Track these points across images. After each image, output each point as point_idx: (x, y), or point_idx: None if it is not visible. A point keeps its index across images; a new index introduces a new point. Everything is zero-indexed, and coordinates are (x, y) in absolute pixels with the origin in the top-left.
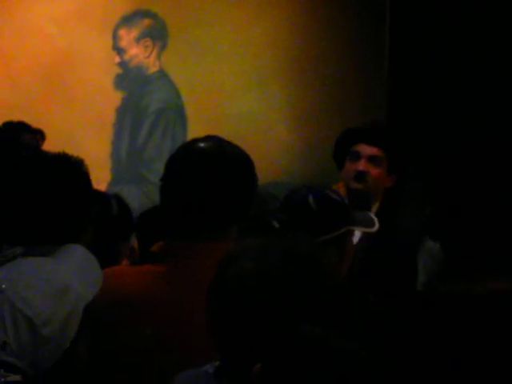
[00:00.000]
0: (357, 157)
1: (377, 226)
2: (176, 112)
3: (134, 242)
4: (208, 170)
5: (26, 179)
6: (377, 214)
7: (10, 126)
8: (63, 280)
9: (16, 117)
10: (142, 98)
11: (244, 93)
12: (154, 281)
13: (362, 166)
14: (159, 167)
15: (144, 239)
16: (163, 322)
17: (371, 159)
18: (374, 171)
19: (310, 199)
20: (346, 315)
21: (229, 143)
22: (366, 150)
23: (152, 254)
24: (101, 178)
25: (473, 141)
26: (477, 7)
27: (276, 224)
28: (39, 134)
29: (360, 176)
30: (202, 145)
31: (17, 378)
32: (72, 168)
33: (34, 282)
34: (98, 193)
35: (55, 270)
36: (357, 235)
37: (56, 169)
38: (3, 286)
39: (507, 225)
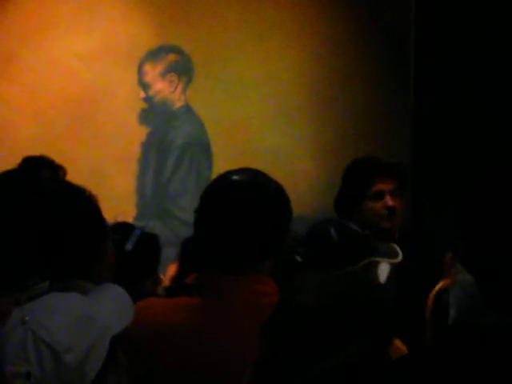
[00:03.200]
0: (381, 194)
1: (400, 257)
2: (201, 147)
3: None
4: (243, 203)
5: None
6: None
7: (30, 160)
8: (87, 310)
9: (41, 152)
10: (167, 133)
11: (269, 127)
12: (187, 313)
13: (390, 202)
14: (184, 202)
15: (185, 267)
16: (195, 352)
17: (392, 193)
18: (397, 204)
19: (332, 231)
20: None
21: (264, 175)
22: (387, 185)
23: (186, 286)
24: (126, 213)
25: (503, 168)
26: (505, 41)
27: (299, 258)
28: (61, 170)
29: (391, 214)
30: (237, 177)
31: None
32: (82, 202)
33: (57, 312)
34: (124, 226)
35: (79, 302)
36: (384, 272)
37: (65, 203)
38: (26, 318)
39: None
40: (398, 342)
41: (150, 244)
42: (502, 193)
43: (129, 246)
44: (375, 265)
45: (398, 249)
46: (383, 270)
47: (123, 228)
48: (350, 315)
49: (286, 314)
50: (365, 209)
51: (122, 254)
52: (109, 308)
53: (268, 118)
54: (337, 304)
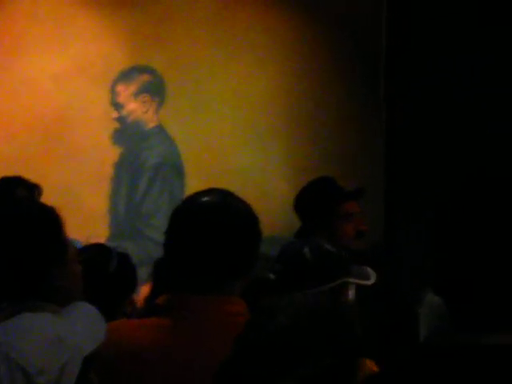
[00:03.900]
0: (350, 216)
1: (373, 279)
2: (173, 167)
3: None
4: (211, 224)
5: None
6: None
7: (5, 180)
8: (58, 331)
9: (14, 171)
10: (139, 153)
11: (242, 148)
12: (157, 334)
13: (361, 224)
14: (157, 222)
15: (158, 287)
16: (165, 373)
17: (358, 215)
18: (361, 224)
19: (306, 250)
20: None
21: (232, 196)
22: (355, 208)
23: (157, 307)
24: (99, 233)
25: (472, 185)
26: (476, 53)
27: (272, 276)
28: (36, 189)
29: (361, 234)
30: (205, 198)
31: None
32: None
33: (28, 333)
34: (99, 247)
35: (51, 323)
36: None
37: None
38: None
39: None
40: (369, 363)
41: (129, 264)
42: (473, 213)
43: (112, 267)
44: (347, 286)
45: (372, 271)
46: (350, 291)
47: (99, 249)
48: (313, 337)
49: (250, 335)
50: (334, 230)
51: (104, 275)
52: (81, 328)
53: (240, 138)
54: (301, 325)
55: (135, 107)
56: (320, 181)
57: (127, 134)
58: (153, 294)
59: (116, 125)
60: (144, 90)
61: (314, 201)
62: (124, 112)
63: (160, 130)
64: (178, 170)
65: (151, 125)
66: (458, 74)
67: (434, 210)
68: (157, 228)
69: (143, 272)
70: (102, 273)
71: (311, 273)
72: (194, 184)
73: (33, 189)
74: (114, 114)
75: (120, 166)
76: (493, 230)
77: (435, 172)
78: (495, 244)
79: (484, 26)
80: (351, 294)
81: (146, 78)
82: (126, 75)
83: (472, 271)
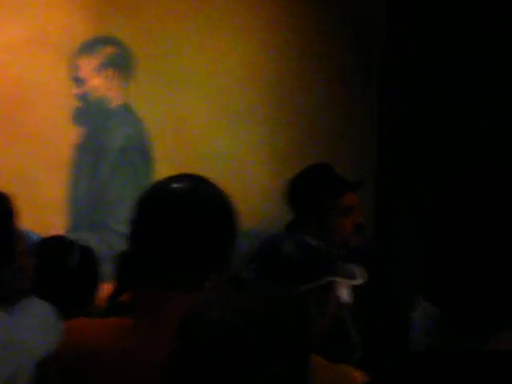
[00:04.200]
0: (349, 210)
1: (363, 278)
2: (141, 150)
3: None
4: (181, 213)
5: None
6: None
7: None
8: (10, 333)
9: None
10: (102, 135)
11: (217, 129)
12: (118, 333)
13: (360, 218)
14: (121, 213)
15: (121, 284)
16: (125, 374)
17: (357, 208)
18: (360, 218)
19: (288, 245)
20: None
21: (207, 183)
22: (354, 200)
23: (120, 305)
24: (56, 224)
25: (466, 188)
26: (475, 47)
27: (247, 275)
28: None
29: (360, 229)
30: (176, 184)
31: None
32: None
33: None
34: (59, 240)
35: (2, 324)
36: (345, 293)
37: None
38: None
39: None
40: (359, 373)
41: (91, 258)
42: (465, 213)
43: (73, 263)
44: (334, 286)
45: (361, 270)
46: (344, 291)
47: (59, 242)
48: (258, 339)
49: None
50: (331, 225)
51: (64, 271)
52: (34, 329)
53: (216, 119)
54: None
55: (98, 83)
56: (316, 168)
57: (89, 112)
58: (116, 292)
59: (76, 102)
60: (108, 63)
61: (309, 191)
62: (86, 88)
63: (126, 108)
64: (145, 155)
65: (116, 103)
66: (458, 71)
67: (428, 211)
68: (121, 219)
69: (106, 268)
70: (61, 268)
71: (291, 271)
72: (163, 170)
73: None
74: (75, 91)
75: (81, 149)
76: (489, 232)
77: (431, 165)
78: (491, 246)
79: (483, 30)
80: (346, 294)
81: (110, 50)
82: (88, 47)
83: (467, 273)
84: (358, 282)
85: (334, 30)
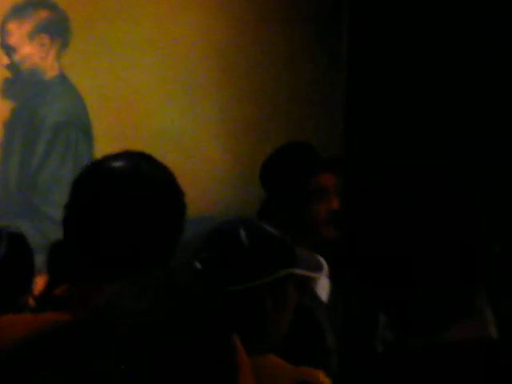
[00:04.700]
0: (323, 192)
1: (325, 271)
2: (80, 127)
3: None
4: (119, 196)
5: None
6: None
7: None
8: None
9: None
10: (36, 110)
11: (165, 103)
12: (51, 330)
13: (335, 203)
14: (57, 197)
15: (56, 276)
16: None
17: (334, 191)
18: (337, 203)
19: (242, 233)
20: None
21: (150, 161)
22: (331, 180)
23: (55, 299)
24: None
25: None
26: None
27: (198, 265)
28: None
29: (334, 216)
30: (115, 163)
31: None
32: None
33: None
34: None
35: None
36: (323, 290)
37: None
38: None
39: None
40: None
41: (23, 248)
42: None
43: (1, 252)
44: (293, 279)
45: (323, 261)
46: (322, 288)
47: None
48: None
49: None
50: (301, 211)
51: None
52: None
53: (164, 92)
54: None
55: (31, 51)
56: (290, 145)
57: (21, 84)
58: (49, 285)
59: (6, 73)
60: (42, 29)
61: (276, 170)
62: (17, 57)
63: (62, 80)
64: (84, 131)
65: (51, 74)
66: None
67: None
68: (57, 204)
69: (39, 259)
70: None
71: (248, 262)
72: (105, 149)
73: None
74: (5, 60)
75: (11, 126)
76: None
77: (395, 145)
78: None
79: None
80: (322, 288)
81: (45, 14)
82: (18, 10)
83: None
84: (322, 274)
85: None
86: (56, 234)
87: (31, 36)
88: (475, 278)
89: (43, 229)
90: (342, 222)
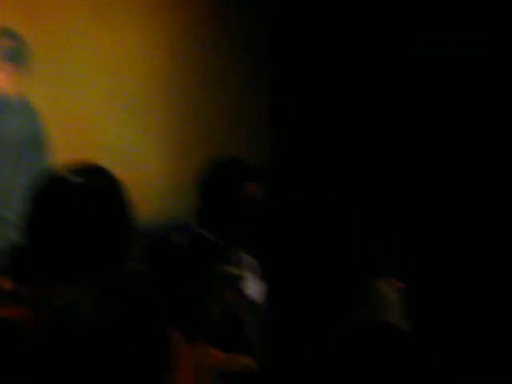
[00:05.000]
0: (251, 199)
1: (255, 269)
2: (34, 142)
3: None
4: (72, 205)
5: None
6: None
7: None
8: None
9: None
10: None
11: (115, 120)
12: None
13: (262, 209)
14: (16, 205)
15: (17, 279)
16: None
17: (259, 198)
18: (264, 209)
19: (175, 235)
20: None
21: (99, 172)
22: (255, 190)
23: (13, 299)
24: None
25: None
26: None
27: (136, 266)
28: None
29: (251, 223)
30: (69, 175)
31: None
32: None
33: None
34: None
35: None
36: (252, 288)
37: None
38: None
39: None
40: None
41: None
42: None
43: None
44: (227, 276)
45: (252, 259)
46: (251, 286)
47: None
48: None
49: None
50: (233, 216)
51: None
52: None
53: (114, 110)
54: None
55: None
56: (222, 159)
57: None
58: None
59: None
60: (5, 56)
61: (211, 181)
62: None
63: (22, 100)
64: (39, 145)
65: (13, 95)
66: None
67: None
68: (13, 209)
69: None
70: None
71: (182, 262)
72: (59, 160)
73: None
74: None
75: None
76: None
77: (323, 151)
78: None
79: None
80: (251, 286)
81: (7, 42)
82: None
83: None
84: (251, 270)
85: (229, 21)
86: (11, 236)
87: None
88: (368, 273)
89: (5, 234)
90: (268, 226)
